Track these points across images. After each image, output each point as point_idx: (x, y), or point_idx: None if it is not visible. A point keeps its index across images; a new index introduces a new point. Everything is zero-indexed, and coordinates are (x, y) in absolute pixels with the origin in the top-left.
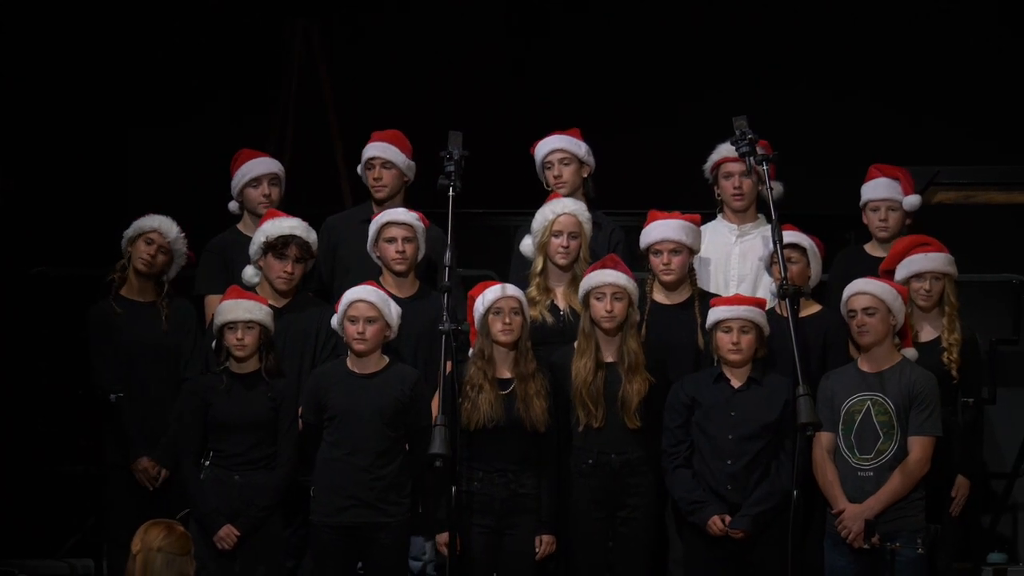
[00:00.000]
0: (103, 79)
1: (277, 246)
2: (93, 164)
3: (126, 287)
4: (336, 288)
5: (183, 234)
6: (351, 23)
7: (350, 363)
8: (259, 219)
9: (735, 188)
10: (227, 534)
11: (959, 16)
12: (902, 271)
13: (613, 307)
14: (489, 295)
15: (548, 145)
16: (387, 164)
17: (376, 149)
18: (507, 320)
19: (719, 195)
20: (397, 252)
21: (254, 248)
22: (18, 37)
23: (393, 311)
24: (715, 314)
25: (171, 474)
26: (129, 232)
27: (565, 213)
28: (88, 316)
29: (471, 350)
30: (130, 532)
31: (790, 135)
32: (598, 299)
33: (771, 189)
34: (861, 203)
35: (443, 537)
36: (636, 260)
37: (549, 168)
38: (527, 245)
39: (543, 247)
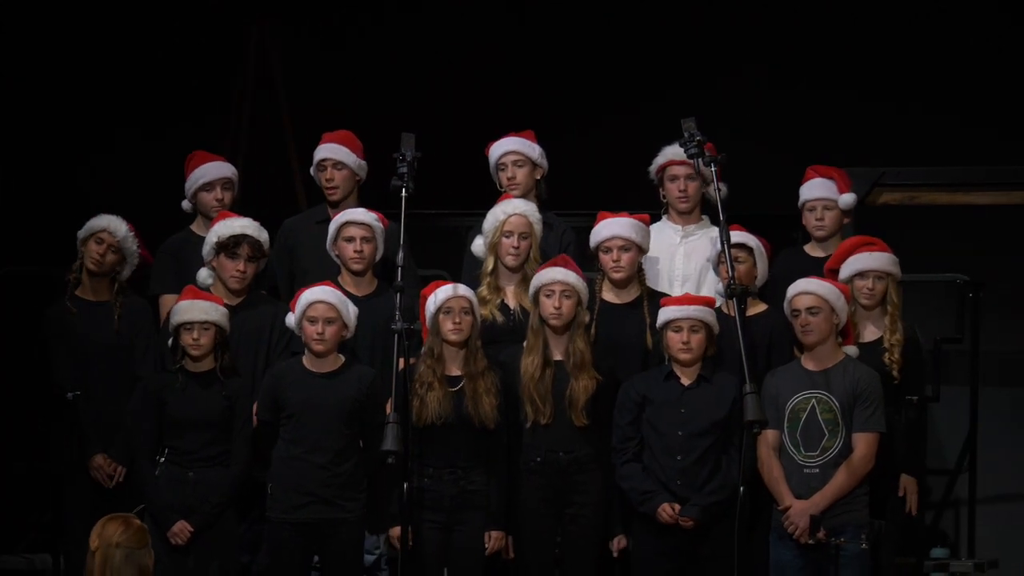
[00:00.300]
0: (61, 81)
1: (229, 246)
2: (54, 164)
3: (81, 287)
4: (297, 286)
5: (133, 232)
6: (304, 27)
7: (307, 362)
8: (211, 221)
9: (680, 190)
10: (180, 530)
11: (904, 20)
12: (846, 270)
13: (562, 305)
14: (440, 294)
15: (502, 147)
16: (338, 165)
17: (327, 151)
18: (456, 319)
19: (664, 197)
20: (355, 252)
21: (207, 249)
22: None
23: (351, 311)
24: (665, 314)
25: (128, 471)
26: (82, 232)
27: (515, 214)
28: (45, 316)
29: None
30: (88, 528)
31: (736, 136)
32: (547, 296)
33: (719, 190)
34: (799, 204)
35: (395, 531)
36: (587, 260)
37: (503, 170)
38: (478, 245)
39: (494, 247)
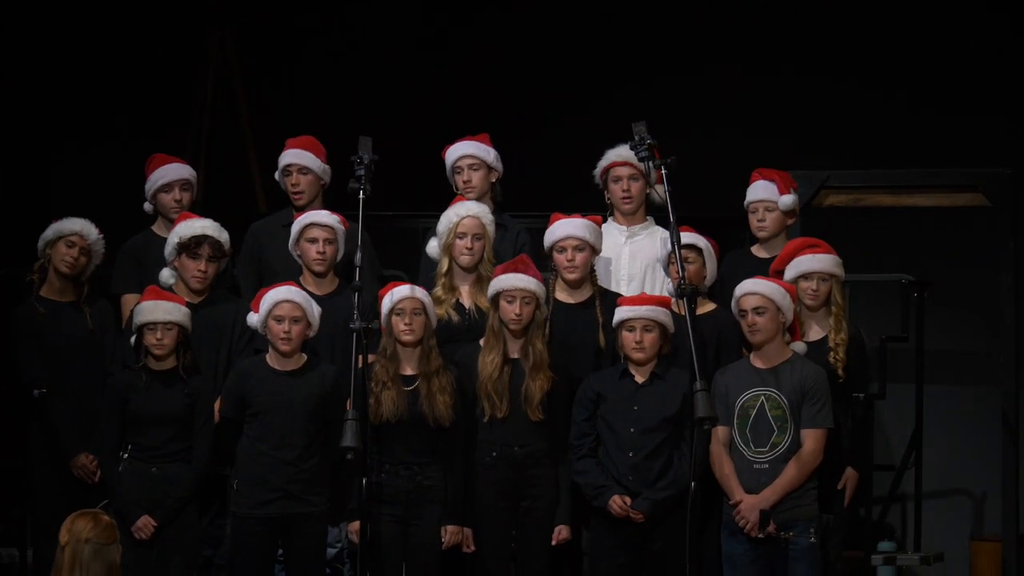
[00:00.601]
0: (24, 83)
1: (190, 246)
2: (10, 168)
3: (46, 287)
4: (265, 285)
5: (102, 236)
6: (264, 32)
7: (272, 360)
8: (171, 222)
9: (623, 191)
10: (144, 524)
11: (852, 25)
12: (791, 271)
13: (522, 311)
14: (394, 296)
15: (458, 151)
16: (303, 170)
17: (292, 156)
18: (408, 320)
19: (608, 198)
20: (318, 253)
21: (168, 249)
22: None
23: (315, 310)
24: (620, 313)
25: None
26: (48, 235)
27: (468, 216)
28: (13, 316)
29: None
30: (57, 523)
31: (686, 139)
32: (508, 302)
33: (669, 192)
34: (744, 205)
35: (355, 525)
36: (540, 260)
37: (458, 173)
38: (433, 247)
39: (448, 248)
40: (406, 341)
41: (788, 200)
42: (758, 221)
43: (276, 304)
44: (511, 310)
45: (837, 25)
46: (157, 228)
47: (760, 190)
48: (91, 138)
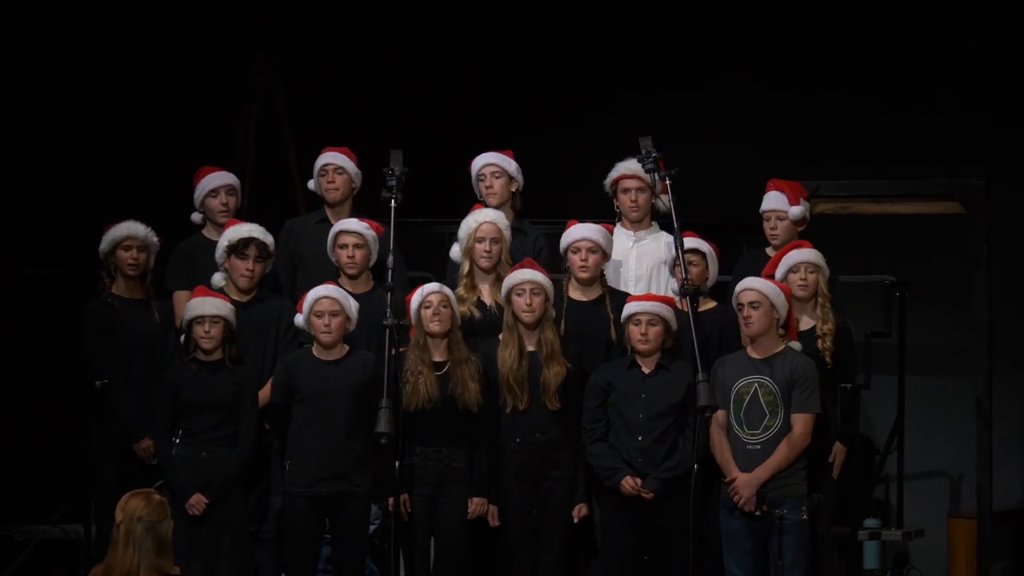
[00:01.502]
0: (78, 93)
1: (239, 247)
2: (67, 174)
3: (117, 286)
4: (299, 279)
5: (150, 228)
6: (304, 54)
7: (316, 352)
8: (219, 226)
9: (631, 201)
10: (197, 501)
11: (846, 48)
12: (781, 269)
13: (532, 301)
14: (424, 291)
15: (483, 160)
16: (339, 169)
17: (330, 157)
18: (437, 312)
19: (618, 207)
20: (348, 257)
21: (219, 253)
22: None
23: (352, 305)
24: (627, 309)
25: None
26: (104, 247)
27: (486, 222)
28: (84, 312)
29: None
30: (115, 501)
31: (687, 150)
32: (519, 295)
33: (673, 201)
34: (760, 211)
35: (389, 504)
36: (556, 263)
37: (482, 180)
38: (455, 251)
39: (468, 252)
40: (435, 331)
41: (797, 211)
42: (771, 229)
43: (316, 301)
44: (522, 302)
45: (829, 45)
46: (206, 232)
47: (773, 200)
48: (142, 147)
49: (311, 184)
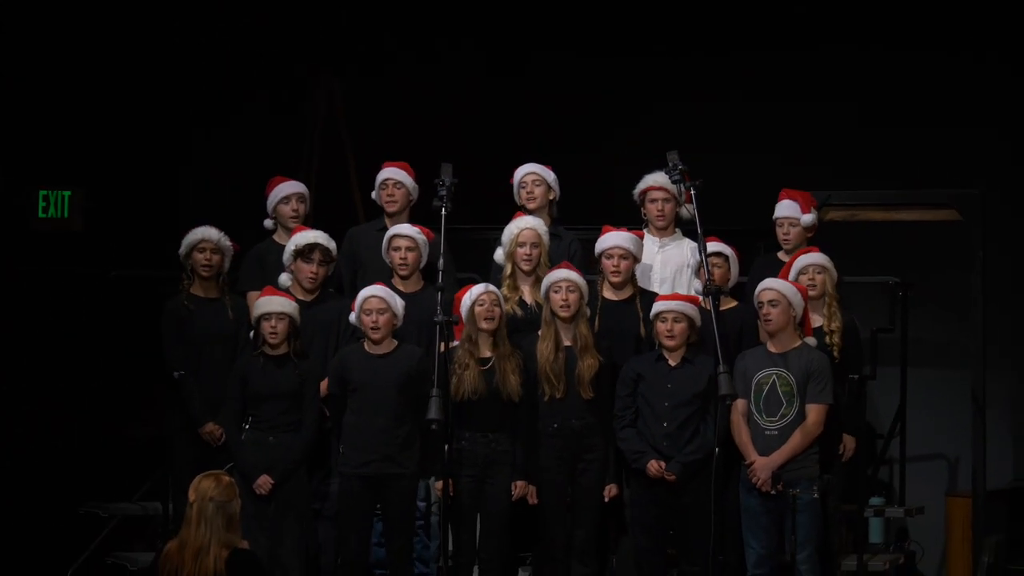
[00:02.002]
0: (162, 112)
1: (305, 252)
2: (152, 182)
3: (195, 287)
4: (359, 282)
5: (223, 232)
6: (365, 75)
7: (367, 346)
8: (289, 230)
9: (658, 211)
10: (264, 482)
11: (853, 70)
12: (793, 271)
13: (568, 298)
14: (474, 292)
15: (525, 169)
16: (398, 184)
17: (390, 172)
18: (488, 311)
19: (645, 215)
20: (400, 259)
21: (287, 256)
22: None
23: (398, 304)
24: (656, 307)
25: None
26: (182, 250)
27: (527, 228)
28: (164, 310)
29: (460, 338)
30: (190, 481)
31: (710, 161)
32: (556, 292)
33: (689, 210)
34: (773, 218)
35: (439, 485)
36: (590, 265)
37: (524, 187)
38: (498, 255)
39: (510, 256)
40: (487, 328)
41: (808, 218)
42: (783, 234)
43: (365, 300)
44: (559, 298)
45: (841, 70)
46: (277, 236)
47: (785, 208)
48: (219, 158)
49: (374, 195)
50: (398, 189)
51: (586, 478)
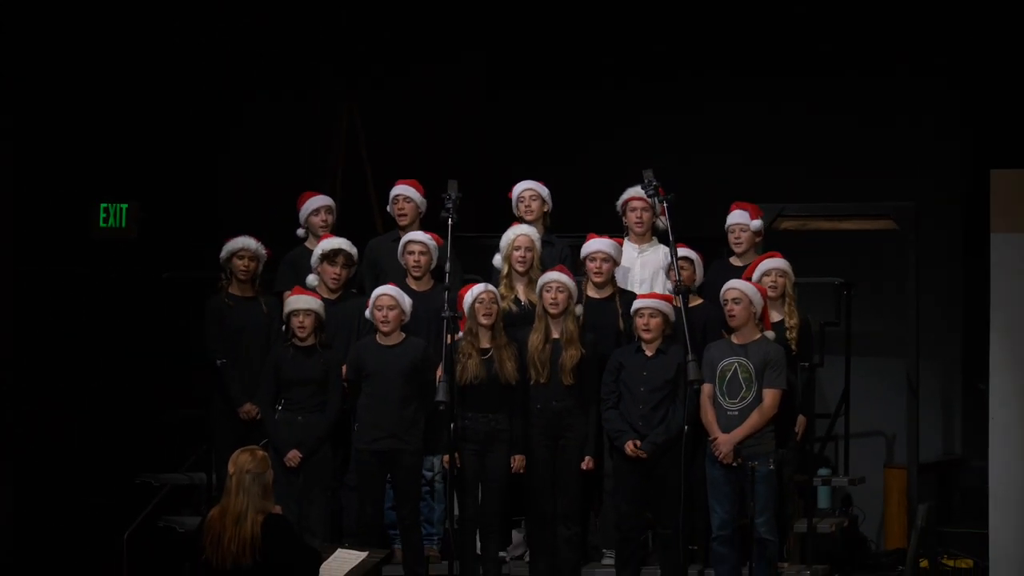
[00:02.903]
0: (200, 134)
1: (330, 256)
2: (194, 195)
3: (233, 287)
4: (380, 283)
5: (260, 242)
6: (380, 105)
7: (379, 338)
8: (318, 238)
9: (637, 219)
10: (293, 456)
11: (805, 106)
12: (757, 273)
13: (557, 297)
14: (475, 290)
15: (523, 185)
16: (408, 199)
17: (400, 189)
18: (487, 308)
19: (626, 223)
20: (414, 262)
21: (314, 259)
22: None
23: (406, 302)
24: (634, 305)
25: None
26: (223, 255)
27: (521, 235)
28: (205, 308)
29: (464, 330)
30: (230, 455)
31: (680, 176)
32: (547, 291)
33: (663, 221)
34: (725, 227)
35: (446, 457)
36: (577, 268)
37: (522, 201)
38: (497, 259)
39: (507, 259)
40: (485, 323)
41: (756, 224)
42: (735, 239)
43: (377, 298)
44: (549, 297)
45: (796, 101)
46: (308, 244)
47: (737, 216)
48: (249, 175)
49: (388, 208)
50: (408, 203)
51: (567, 452)
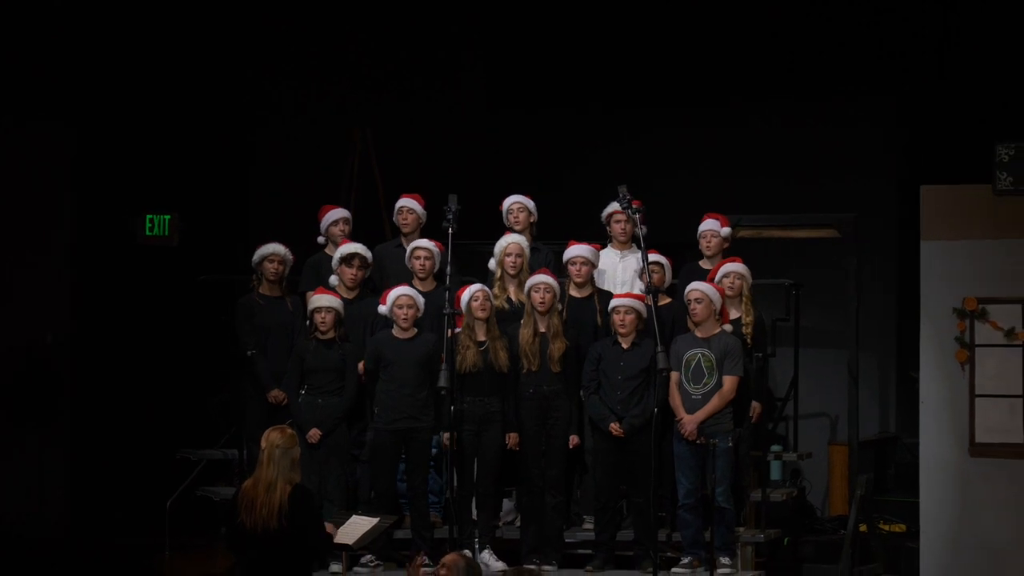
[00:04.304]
0: (231, 152)
1: (347, 259)
2: (226, 206)
3: (262, 287)
4: (383, 285)
5: (288, 247)
6: (389, 128)
7: (395, 332)
8: (337, 245)
9: (621, 230)
10: (315, 433)
11: (761, 133)
12: (719, 275)
13: (544, 297)
14: (471, 290)
15: (512, 199)
16: (410, 211)
17: (404, 201)
18: (481, 305)
19: (610, 232)
20: (420, 266)
21: (334, 262)
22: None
23: (421, 301)
24: (612, 303)
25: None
26: (255, 259)
27: (512, 242)
28: (236, 306)
29: (462, 325)
30: (260, 434)
31: (653, 189)
32: (535, 292)
33: (642, 229)
34: (697, 234)
35: (446, 436)
36: (561, 271)
37: (511, 213)
38: (491, 263)
39: (500, 263)
40: (479, 317)
41: (726, 231)
42: (706, 243)
43: (397, 298)
44: (537, 296)
45: (753, 129)
46: (328, 250)
47: (708, 224)
48: (274, 190)
49: (394, 218)
50: (411, 215)
51: (555, 430)
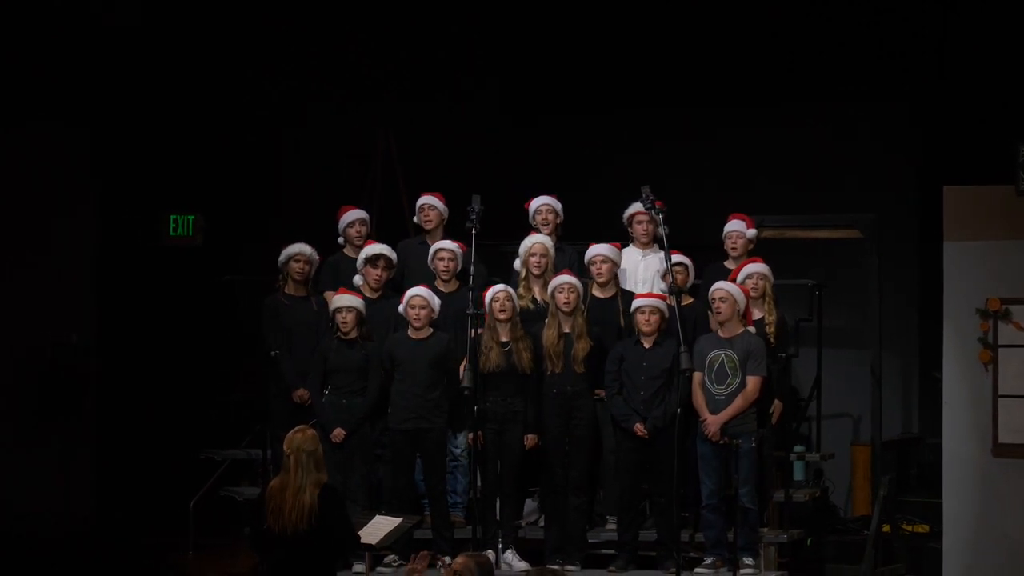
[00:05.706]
0: (255, 155)
1: (372, 260)
2: (250, 207)
3: (288, 287)
4: (405, 283)
5: (313, 248)
6: (411, 131)
7: (409, 332)
8: (355, 246)
9: (644, 231)
10: (338, 433)
11: (781, 135)
12: (741, 276)
13: (569, 297)
14: (494, 290)
15: (540, 200)
16: (432, 207)
17: (425, 199)
18: (503, 305)
19: (632, 233)
20: (443, 267)
21: (359, 263)
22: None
23: (436, 302)
24: (635, 303)
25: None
26: (281, 259)
27: (537, 242)
28: (262, 306)
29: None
30: (284, 433)
31: (676, 191)
32: (560, 292)
33: (665, 229)
34: (722, 235)
35: (470, 435)
36: (584, 270)
37: (539, 214)
38: (517, 263)
39: (525, 263)
40: (502, 318)
41: (751, 232)
42: (731, 244)
43: (410, 299)
44: (561, 297)
45: (772, 133)
46: (346, 250)
47: (734, 225)
48: (297, 191)
49: (416, 217)
50: (432, 211)
51: (578, 431)
